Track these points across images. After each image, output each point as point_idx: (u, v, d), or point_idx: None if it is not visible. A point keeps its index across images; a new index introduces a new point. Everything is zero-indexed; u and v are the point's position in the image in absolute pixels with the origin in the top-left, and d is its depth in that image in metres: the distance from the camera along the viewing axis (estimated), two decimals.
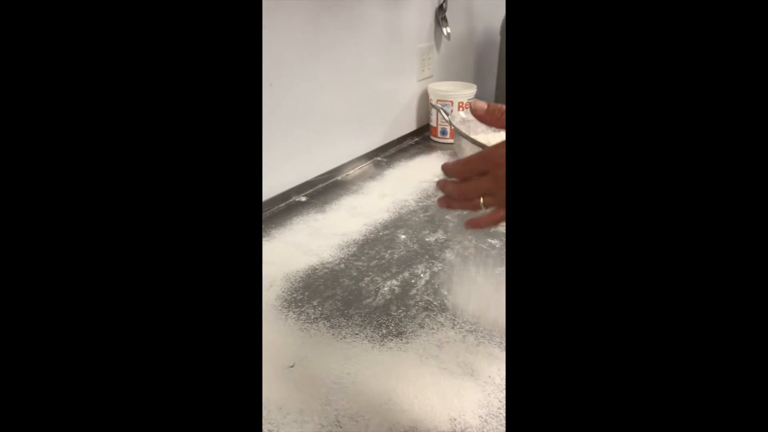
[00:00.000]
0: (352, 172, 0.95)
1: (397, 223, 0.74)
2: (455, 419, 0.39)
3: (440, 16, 1.10)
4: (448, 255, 0.64)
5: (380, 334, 0.49)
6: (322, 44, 0.79)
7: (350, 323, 0.51)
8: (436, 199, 0.45)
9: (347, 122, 0.93)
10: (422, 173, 0.94)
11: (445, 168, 0.35)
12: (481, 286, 0.58)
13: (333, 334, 0.49)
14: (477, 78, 1.37)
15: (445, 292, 0.56)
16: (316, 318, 0.52)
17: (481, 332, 0.49)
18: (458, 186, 0.35)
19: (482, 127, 0.37)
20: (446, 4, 1.09)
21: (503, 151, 0.31)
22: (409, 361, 0.45)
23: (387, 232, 0.71)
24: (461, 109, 0.52)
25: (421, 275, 0.60)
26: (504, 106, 0.35)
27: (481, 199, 0.34)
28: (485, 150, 0.34)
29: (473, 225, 0.37)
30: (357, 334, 0.49)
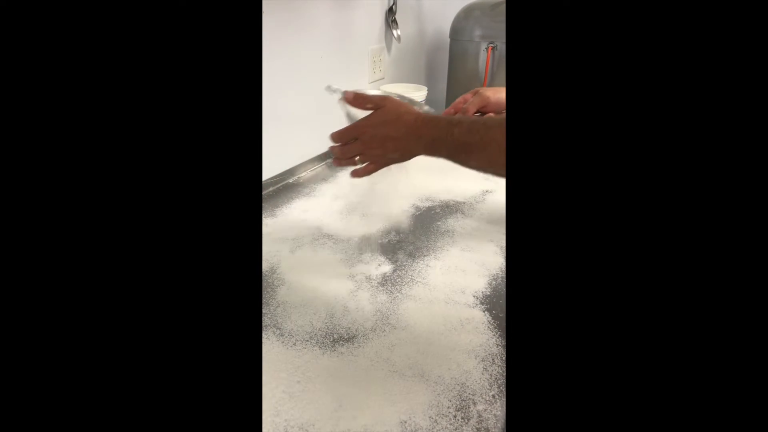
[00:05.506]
0: (304, 174, 0.94)
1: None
2: (405, 422, 0.39)
3: (390, 18, 1.11)
4: (401, 256, 0.64)
5: (331, 340, 0.49)
6: (271, 46, 0.77)
7: (301, 330, 0.50)
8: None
9: (299, 124, 0.91)
10: (375, 174, 0.93)
11: (332, 136, 0.51)
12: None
13: (283, 342, 0.48)
14: (428, 80, 1.38)
15: (397, 293, 0.56)
16: (266, 326, 0.51)
17: (432, 332, 0.50)
18: (341, 149, 0.51)
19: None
20: (396, 7, 1.10)
21: (367, 121, 0.49)
22: (360, 366, 0.45)
23: None
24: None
25: (373, 277, 0.59)
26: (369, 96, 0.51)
27: (357, 158, 0.51)
28: (355, 122, 0.51)
29: (354, 175, 0.54)
30: (308, 340, 0.49)
